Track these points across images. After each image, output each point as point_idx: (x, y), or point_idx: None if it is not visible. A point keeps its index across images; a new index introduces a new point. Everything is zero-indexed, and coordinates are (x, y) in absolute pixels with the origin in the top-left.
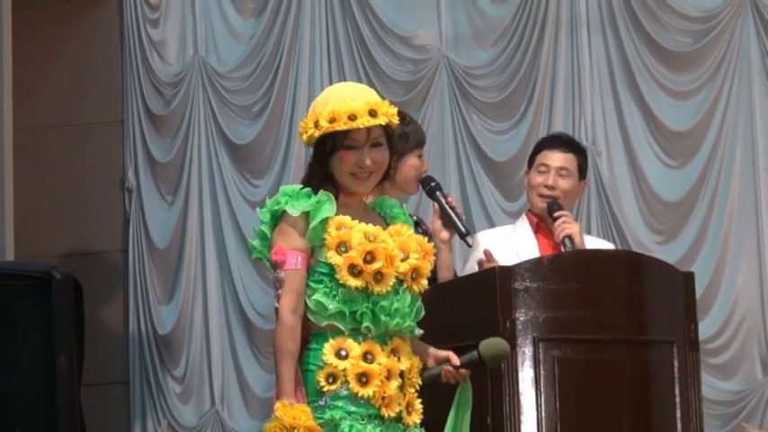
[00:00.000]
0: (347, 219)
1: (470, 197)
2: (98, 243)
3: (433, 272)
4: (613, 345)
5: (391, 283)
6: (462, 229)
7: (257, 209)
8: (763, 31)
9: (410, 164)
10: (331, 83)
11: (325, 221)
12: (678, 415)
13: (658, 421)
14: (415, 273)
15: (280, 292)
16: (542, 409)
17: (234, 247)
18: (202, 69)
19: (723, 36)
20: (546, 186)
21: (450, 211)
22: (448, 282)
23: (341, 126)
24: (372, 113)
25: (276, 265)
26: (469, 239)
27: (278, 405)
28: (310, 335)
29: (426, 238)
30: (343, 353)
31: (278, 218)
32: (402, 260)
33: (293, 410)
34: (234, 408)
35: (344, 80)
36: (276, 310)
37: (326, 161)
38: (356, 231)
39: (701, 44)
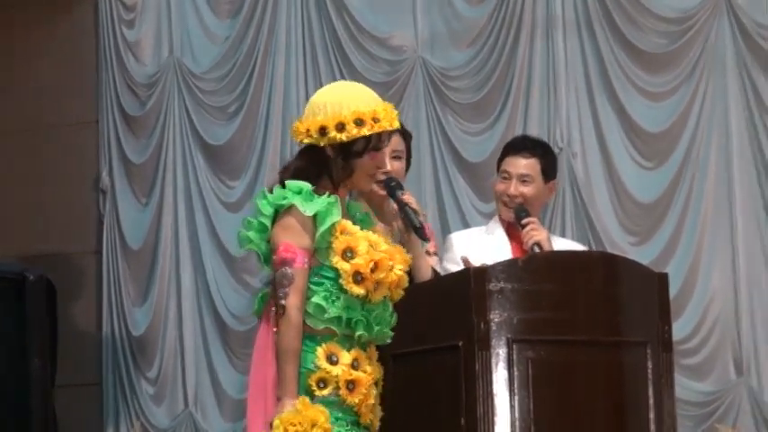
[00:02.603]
0: (349, 224)
1: (445, 198)
2: (72, 244)
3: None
4: (587, 346)
5: (386, 293)
6: (414, 222)
7: (256, 199)
8: (739, 31)
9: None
10: (306, 84)
11: (333, 225)
12: (652, 416)
13: (632, 422)
14: (398, 283)
15: (287, 290)
16: (516, 410)
17: (208, 249)
18: (178, 70)
19: (698, 37)
20: (508, 195)
21: (404, 207)
22: (423, 283)
23: (384, 126)
24: (397, 115)
25: (284, 262)
26: (422, 233)
27: (299, 401)
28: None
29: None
30: (335, 358)
31: (278, 212)
32: (389, 270)
33: (313, 410)
34: (207, 409)
35: (320, 81)
36: (279, 306)
37: (352, 161)
38: (360, 238)
39: (676, 45)
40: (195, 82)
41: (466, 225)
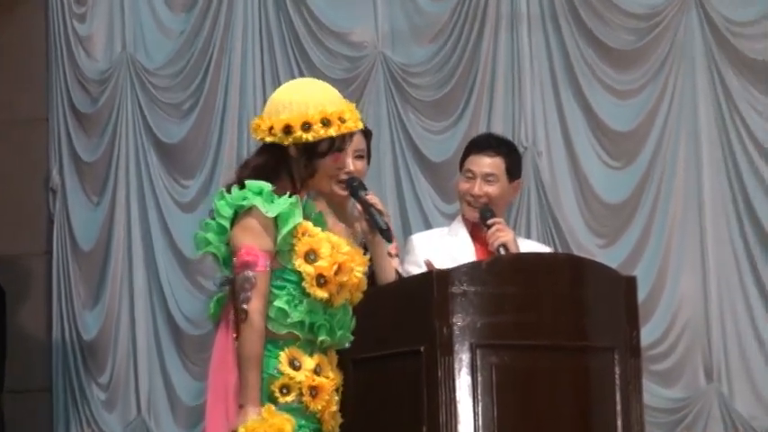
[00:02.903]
0: (311, 226)
1: (407, 198)
2: (20, 245)
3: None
4: (553, 351)
5: (347, 296)
6: (380, 224)
7: (214, 199)
8: (708, 27)
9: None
10: (264, 80)
11: (294, 227)
12: (619, 423)
13: (599, 430)
14: (358, 286)
15: (250, 294)
16: (480, 417)
17: (162, 250)
18: (130, 66)
19: (667, 33)
20: (472, 194)
21: (368, 207)
22: (384, 286)
23: (350, 127)
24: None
25: (246, 265)
26: (388, 235)
27: (265, 409)
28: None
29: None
30: (297, 363)
31: (238, 214)
32: (351, 272)
33: (279, 418)
34: (161, 416)
35: (278, 77)
36: (241, 311)
37: (316, 162)
38: (322, 240)
39: (644, 42)
40: (149, 78)
41: (428, 226)
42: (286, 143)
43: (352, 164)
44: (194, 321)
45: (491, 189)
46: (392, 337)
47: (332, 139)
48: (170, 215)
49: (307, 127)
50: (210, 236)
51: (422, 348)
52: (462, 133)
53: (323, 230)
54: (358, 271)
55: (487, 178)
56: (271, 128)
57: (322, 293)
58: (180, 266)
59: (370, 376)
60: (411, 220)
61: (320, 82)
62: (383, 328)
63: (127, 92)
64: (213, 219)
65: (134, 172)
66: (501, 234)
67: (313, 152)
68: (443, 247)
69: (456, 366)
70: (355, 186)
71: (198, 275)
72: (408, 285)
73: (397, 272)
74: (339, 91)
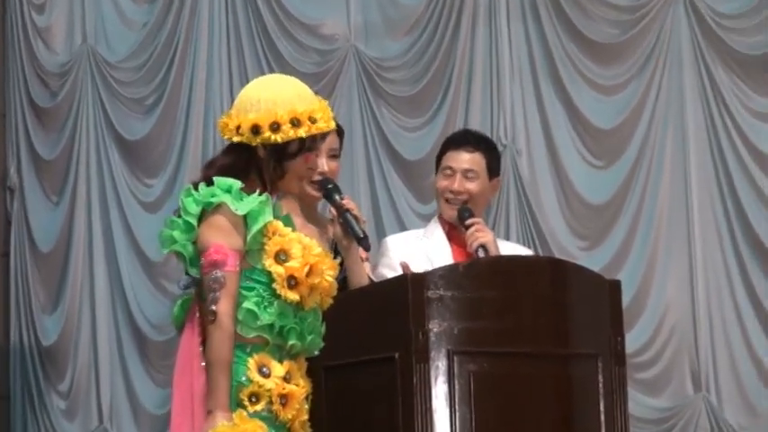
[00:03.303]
0: (281, 225)
1: (380, 198)
2: None
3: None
4: (534, 358)
5: (318, 300)
6: (358, 232)
7: (181, 196)
8: (695, 20)
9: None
10: (231, 75)
11: (264, 226)
12: None
13: None
14: (328, 290)
15: (218, 294)
16: (457, 427)
17: (124, 252)
18: (91, 59)
19: (652, 26)
20: (451, 191)
21: (345, 213)
22: (356, 290)
23: (321, 128)
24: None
25: (214, 264)
26: (366, 243)
27: (236, 414)
28: None
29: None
30: (266, 370)
31: (206, 211)
32: (322, 274)
33: (252, 424)
34: (123, 426)
35: (246, 71)
36: (209, 313)
37: (285, 163)
38: (293, 240)
39: (628, 35)
40: (110, 71)
41: (402, 227)
42: (254, 144)
43: (325, 164)
44: (158, 327)
45: (472, 186)
46: (365, 344)
47: (302, 140)
48: (133, 215)
49: (275, 127)
50: (176, 234)
51: (396, 355)
52: (438, 130)
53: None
54: (328, 275)
55: (467, 174)
56: (238, 127)
57: (293, 295)
58: (143, 269)
59: (343, 384)
60: (385, 221)
61: (291, 78)
62: (356, 333)
63: (87, 86)
64: (179, 216)
65: (95, 170)
66: (480, 235)
67: (282, 153)
68: (419, 249)
69: (432, 374)
70: (330, 189)
71: (162, 279)
72: (382, 289)
73: (369, 277)
74: (309, 86)
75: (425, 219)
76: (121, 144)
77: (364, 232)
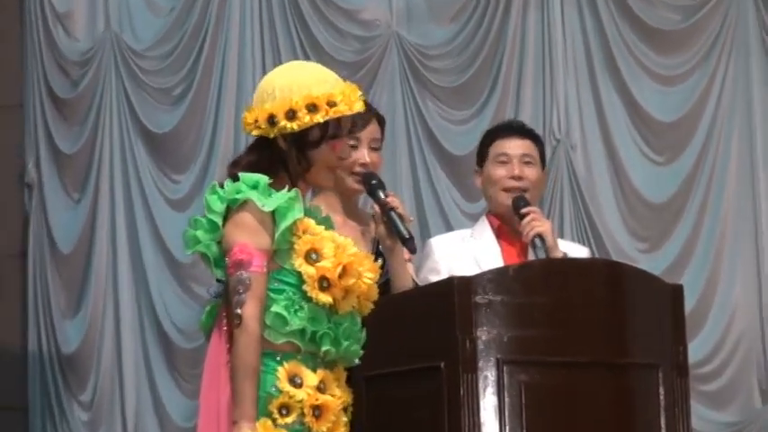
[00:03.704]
0: (312, 223)
1: (425, 197)
2: None
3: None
4: (589, 368)
5: (354, 303)
6: (403, 232)
7: (206, 194)
8: (764, 6)
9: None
10: (264, 64)
11: (294, 223)
12: None
13: None
14: (366, 294)
15: (244, 296)
16: None
17: (151, 254)
18: (115, 46)
19: (717, 11)
20: (512, 177)
21: (389, 212)
22: (399, 295)
23: (341, 111)
24: (360, 97)
25: (239, 265)
26: (412, 245)
27: (260, 424)
28: None
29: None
30: (298, 380)
31: (231, 209)
32: (358, 276)
33: None
34: None
35: (280, 60)
36: (235, 316)
37: (309, 153)
38: (326, 239)
39: (691, 21)
40: (135, 60)
41: (449, 228)
42: (272, 135)
43: (367, 155)
44: (187, 333)
45: (531, 172)
46: (408, 352)
47: (323, 126)
48: (160, 214)
49: (291, 115)
50: (200, 233)
51: (442, 364)
52: (486, 123)
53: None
54: (367, 277)
55: (525, 159)
56: (256, 120)
57: (325, 298)
58: (171, 271)
59: (384, 395)
60: (429, 221)
61: (310, 64)
62: (398, 341)
63: (111, 75)
64: (205, 215)
65: (119, 165)
66: (537, 224)
67: (304, 143)
68: (466, 250)
69: (480, 385)
70: (374, 185)
71: (190, 281)
72: (427, 294)
73: (414, 281)
74: (347, 76)
75: (473, 218)
76: (147, 137)
77: (410, 232)
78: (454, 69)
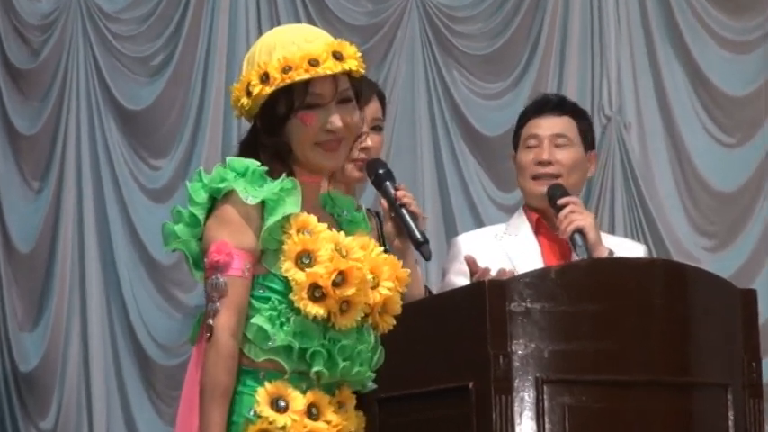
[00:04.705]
0: (313, 219)
1: (451, 185)
2: None
3: None
4: (645, 389)
5: (358, 318)
6: (416, 235)
7: (187, 182)
8: None
9: None
10: (260, 26)
11: (285, 219)
12: None
13: None
14: (384, 307)
15: (217, 305)
16: None
17: (125, 253)
18: (83, 7)
19: None
20: (540, 163)
21: (400, 209)
22: (419, 302)
23: (301, 75)
24: (338, 57)
25: (215, 267)
26: (427, 249)
27: None
28: (238, 372)
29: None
30: (282, 403)
31: (216, 200)
32: (372, 288)
33: None
34: None
35: (278, 22)
36: (206, 328)
37: (279, 130)
38: (324, 240)
39: None
40: (107, 23)
41: (479, 222)
42: (246, 111)
43: (368, 139)
44: (167, 347)
45: (564, 155)
46: (431, 371)
47: (288, 96)
48: (136, 206)
49: (249, 93)
50: (180, 228)
51: (470, 384)
52: (524, 99)
53: (366, 233)
54: (386, 286)
55: (557, 141)
56: (238, 99)
57: (316, 309)
58: (149, 274)
59: (403, 421)
60: (456, 214)
61: (299, 26)
62: (418, 357)
63: (78, 42)
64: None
65: (88, 148)
66: (577, 216)
67: (272, 122)
68: (499, 250)
69: (516, 408)
70: (381, 175)
71: (172, 286)
72: (452, 302)
73: (428, 289)
74: (360, 43)
75: (508, 211)
76: (121, 115)
77: (424, 235)
78: (485, 35)
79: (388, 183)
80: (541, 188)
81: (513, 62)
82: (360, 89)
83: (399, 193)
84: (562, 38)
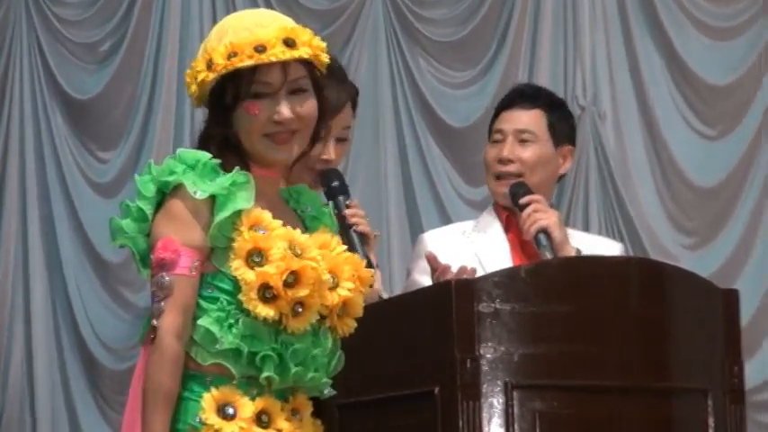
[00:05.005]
0: (266, 216)
1: (415, 179)
2: None
3: None
4: (621, 394)
5: (312, 320)
6: (361, 257)
7: (136, 175)
8: None
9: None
10: (215, 13)
11: (236, 215)
12: None
13: None
14: (344, 309)
15: (162, 305)
16: None
17: (71, 251)
18: None
19: None
20: (500, 161)
21: (348, 230)
22: (381, 303)
23: (244, 61)
24: (289, 43)
25: (161, 265)
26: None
27: None
28: (183, 377)
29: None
30: (230, 410)
31: (166, 194)
32: (330, 289)
33: None
34: None
35: (234, 8)
36: (150, 329)
37: (227, 119)
38: (278, 237)
39: None
40: (52, 7)
41: (446, 219)
42: (195, 100)
43: (332, 150)
44: (116, 350)
45: (527, 151)
46: (393, 375)
47: (235, 85)
48: (82, 202)
49: (210, 65)
50: (127, 223)
51: (436, 390)
52: (493, 88)
53: (330, 231)
54: (346, 287)
55: (521, 136)
56: (188, 83)
57: (266, 311)
58: (96, 274)
59: (365, 428)
60: (422, 210)
61: (254, 11)
62: (381, 362)
63: (22, 27)
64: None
65: (31, 140)
66: (540, 216)
67: (218, 106)
68: (467, 248)
69: (485, 415)
70: (334, 188)
71: (121, 286)
72: (417, 302)
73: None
74: (320, 27)
75: (477, 207)
76: (67, 105)
77: (369, 261)
78: (453, 19)
79: (340, 198)
80: (503, 188)
81: (481, 49)
82: (317, 79)
83: (349, 212)
84: (534, 23)
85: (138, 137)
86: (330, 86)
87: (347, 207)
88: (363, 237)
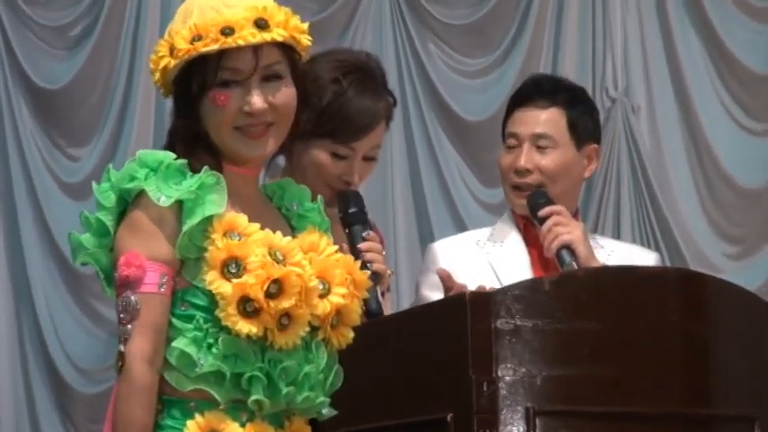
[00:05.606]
0: (242, 220)
1: (426, 181)
2: None
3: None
4: (656, 422)
5: (302, 333)
6: (372, 306)
7: (93, 184)
8: None
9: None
10: None
11: (208, 221)
12: None
13: None
14: (338, 318)
15: (129, 328)
16: None
17: (38, 260)
18: None
19: None
20: (516, 171)
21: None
22: (388, 319)
23: (209, 45)
24: (261, 24)
25: (125, 284)
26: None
27: None
28: (162, 403)
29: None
30: None
31: (129, 202)
32: (321, 296)
33: None
34: None
35: None
36: (118, 355)
37: (193, 111)
38: (255, 243)
39: None
40: None
41: (459, 225)
42: (162, 89)
43: (355, 170)
44: (88, 372)
45: (544, 160)
46: (403, 400)
47: (200, 70)
48: (50, 204)
49: (171, 51)
50: (87, 238)
51: (449, 417)
52: (512, 77)
53: (318, 230)
54: (338, 293)
55: (538, 142)
56: (152, 69)
57: (248, 327)
58: (66, 285)
59: None
60: (432, 215)
61: None
62: (389, 385)
63: None
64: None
65: None
66: (562, 230)
67: (183, 97)
68: (482, 259)
69: None
70: (352, 215)
71: (94, 299)
72: (428, 318)
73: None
74: (318, 9)
75: (494, 211)
76: (33, 95)
77: (379, 306)
78: (467, 1)
79: (356, 227)
80: (521, 200)
81: (499, 33)
82: (296, 64)
83: (364, 246)
84: (558, 3)
85: (114, 132)
86: (364, 96)
87: (363, 240)
88: (377, 276)
